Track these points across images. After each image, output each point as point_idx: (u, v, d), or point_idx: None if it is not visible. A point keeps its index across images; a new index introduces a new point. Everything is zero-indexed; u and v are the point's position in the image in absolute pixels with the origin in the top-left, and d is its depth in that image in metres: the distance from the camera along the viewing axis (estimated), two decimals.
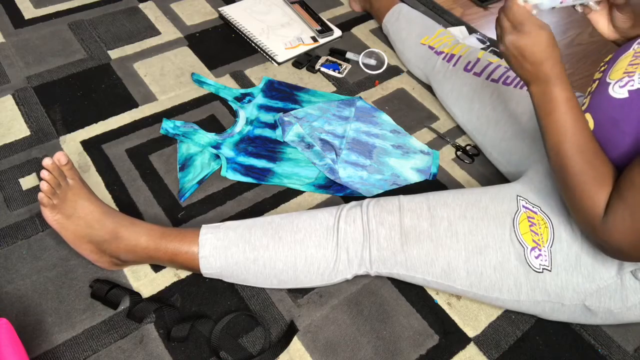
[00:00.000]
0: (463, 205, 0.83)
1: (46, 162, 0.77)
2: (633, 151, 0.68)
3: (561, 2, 0.76)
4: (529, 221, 0.79)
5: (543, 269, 0.78)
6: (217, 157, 1.07)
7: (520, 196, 0.82)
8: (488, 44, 1.43)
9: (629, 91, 0.69)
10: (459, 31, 1.48)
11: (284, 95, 1.23)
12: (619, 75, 0.73)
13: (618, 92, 0.71)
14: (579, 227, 0.75)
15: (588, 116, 0.75)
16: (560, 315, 0.83)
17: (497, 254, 0.79)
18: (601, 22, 0.83)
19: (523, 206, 0.81)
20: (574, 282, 0.77)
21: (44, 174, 0.76)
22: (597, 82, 0.78)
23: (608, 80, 0.74)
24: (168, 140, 1.11)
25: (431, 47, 1.24)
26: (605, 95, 0.73)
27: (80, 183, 0.82)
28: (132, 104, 1.17)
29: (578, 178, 0.70)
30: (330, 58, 1.34)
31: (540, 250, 0.78)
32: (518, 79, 1.04)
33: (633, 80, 0.70)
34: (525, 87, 1.02)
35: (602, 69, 0.79)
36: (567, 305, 0.80)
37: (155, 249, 0.83)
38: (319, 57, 1.33)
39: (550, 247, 0.78)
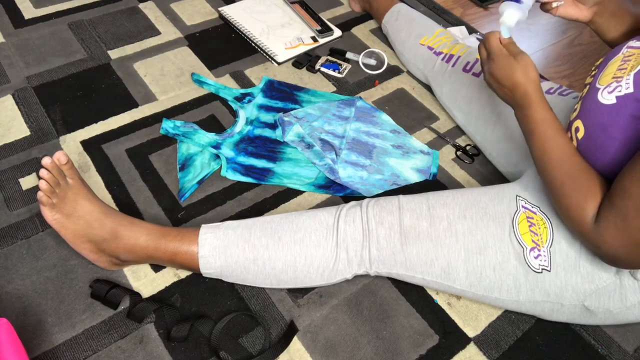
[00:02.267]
0: (462, 205, 0.83)
1: (45, 161, 0.77)
2: (623, 157, 0.68)
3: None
4: (528, 221, 0.79)
5: (542, 269, 0.78)
6: (217, 157, 1.07)
7: (519, 196, 0.82)
8: None
9: (617, 97, 0.70)
10: (459, 31, 1.48)
11: (284, 95, 1.23)
12: (607, 80, 0.73)
13: (606, 98, 0.71)
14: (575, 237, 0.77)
15: (579, 123, 0.75)
16: (559, 316, 0.83)
17: (497, 254, 0.79)
18: (569, 9, 0.87)
19: (522, 206, 0.81)
20: (573, 283, 0.77)
21: (43, 173, 0.76)
22: (587, 87, 0.78)
23: (597, 85, 0.74)
24: (168, 140, 1.11)
25: (430, 48, 1.24)
26: (594, 102, 0.73)
27: (79, 182, 0.82)
28: (132, 104, 1.17)
29: (561, 190, 0.73)
30: (330, 58, 1.34)
31: (539, 250, 0.78)
32: None
33: (620, 85, 0.70)
34: None
35: (593, 73, 0.79)
36: (566, 305, 0.80)
37: (154, 249, 0.83)
38: (319, 57, 1.33)
39: (550, 247, 0.78)
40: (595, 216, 0.69)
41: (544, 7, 0.89)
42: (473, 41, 1.43)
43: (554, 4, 0.87)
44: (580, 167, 0.72)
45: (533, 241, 0.78)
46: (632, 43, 0.76)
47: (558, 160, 0.74)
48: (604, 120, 0.71)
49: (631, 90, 0.68)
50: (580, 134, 0.74)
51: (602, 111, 0.71)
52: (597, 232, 0.68)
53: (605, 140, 0.70)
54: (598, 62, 0.80)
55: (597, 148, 0.72)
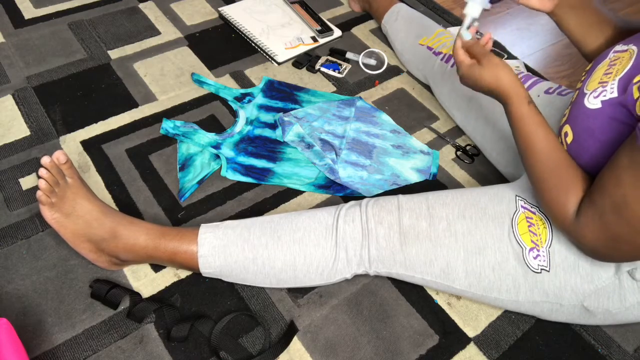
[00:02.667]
0: (462, 205, 0.83)
1: (45, 160, 0.77)
2: (608, 159, 0.69)
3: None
4: (527, 221, 0.79)
5: (541, 269, 0.78)
6: (217, 157, 1.07)
7: (519, 196, 0.82)
8: None
9: (602, 101, 0.70)
10: None
11: (284, 95, 1.23)
12: (594, 85, 0.74)
13: (592, 102, 0.72)
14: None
15: (567, 128, 0.76)
16: (559, 316, 0.83)
17: (496, 254, 0.79)
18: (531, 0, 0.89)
19: (522, 206, 0.81)
20: (572, 283, 0.77)
21: (42, 172, 0.76)
22: (577, 92, 0.79)
23: (585, 91, 0.75)
24: (168, 140, 1.11)
25: (430, 48, 1.24)
26: (581, 107, 0.74)
27: (79, 182, 0.82)
28: (132, 104, 1.17)
29: (543, 185, 0.74)
30: (330, 58, 1.34)
31: (538, 250, 0.78)
32: None
33: (606, 90, 0.71)
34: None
35: (583, 79, 0.80)
36: (565, 305, 0.80)
37: (154, 248, 0.83)
38: (319, 57, 1.33)
39: (549, 247, 0.78)
40: (576, 211, 0.70)
41: None
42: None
43: None
44: (562, 162, 0.73)
45: (532, 241, 0.78)
46: (618, 47, 0.77)
47: (539, 155, 0.74)
48: (590, 124, 0.72)
49: (615, 94, 0.69)
50: (569, 139, 0.75)
51: (588, 116, 0.72)
52: (578, 227, 0.70)
53: (592, 143, 0.72)
54: (588, 67, 0.81)
55: (584, 152, 0.73)
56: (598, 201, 0.67)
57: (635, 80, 0.66)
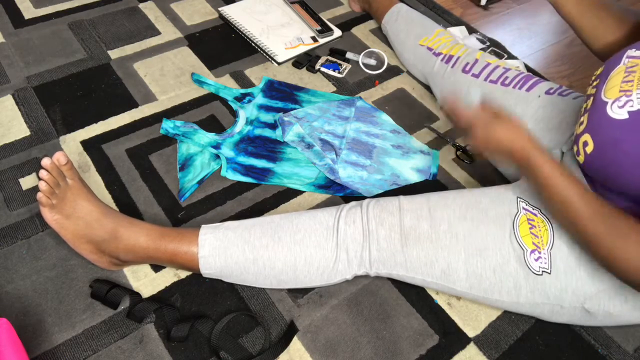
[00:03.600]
0: (463, 206, 0.83)
1: (45, 162, 0.77)
2: (637, 173, 0.66)
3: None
4: (529, 223, 0.79)
5: (542, 271, 0.78)
6: (217, 157, 1.07)
7: (520, 198, 0.82)
8: (488, 44, 1.43)
9: (629, 112, 0.68)
10: (459, 31, 1.48)
11: (284, 95, 1.23)
12: (615, 93, 0.71)
13: (617, 112, 0.69)
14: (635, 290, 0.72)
15: (587, 137, 0.73)
16: (559, 318, 0.83)
17: (497, 255, 0.79)
18: None
19: (523, 208, 0.80)
20: (573, 285, 0.77)
21: (42, 173, 0.76)
22: (592, 98, 0.76)
23: (604, 98, 0.72)
24: (168, 140, 1.11)
25: (430, 48, 1.24)
26: (604, 116, 0.71)
27: (79, 183, 0.82)
28: (132, 104, 1.17)
29: (594, 245, 0.69)
30: (330, 58, 1.34)
31: (540, 252, 0.78)
32: (517, 80, 1.04)
33: (632, 100, 0.68)
34: (523, 88, 1.02)
35: (595, 83, 0.78)
36: (566, 307, 0.80)
37: (154, 249, 0.83)
38: (319, 57, 1.33)
39: (550, 249, 0.78)
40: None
41: None
42: (473, 41, 1.43)
43: None
44: (614, 212, 0.68)
45: (534, 243, 0.78)
46: (631, 52, 0.75)
47: (583, 213, 0.68)
48: (615, 135, 0.69)
49: None
50: (589, 149, 0.72)
51: (613, 126, 0.69)
52: None
53: (617, 155, 0.69)
54: (599, 72, 0.79)
55: (608, 164, 0.70)
56: None
57: None
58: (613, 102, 0.70)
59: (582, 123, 0.76)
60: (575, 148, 0.76)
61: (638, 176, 0.67)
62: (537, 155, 0.71)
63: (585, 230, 0.69)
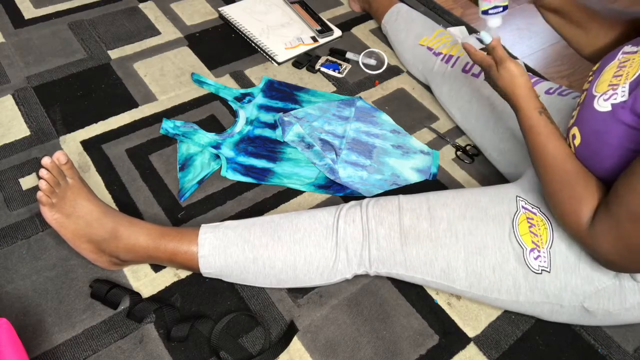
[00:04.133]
0: (462, 205, 0.83)
1: (45, 161, 0.77)
2: (618, 163, 0.68)
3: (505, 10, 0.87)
4: (528, 222, 0.79)
5: (542, 270, 0.78)
6: (217, 157, 1.07)
7: (519, 197, 0.82)
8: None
9: (612, 104, 0.69)
10: (459, 31, 1.48)
11: (284, 95, 1.23)
12: (604, 88, 0.73)
13: (602, 105, 0.71)
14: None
15: (575, 130, 0.75)
16: (559, 317, 0.83)
17: (496, 254, 0.79)
18: None
19: (522, 207, 0.80)
20: (573, 284, 0.77)
21: (42, 172, 0.76)
22: (584, 93, 0.78)
23: (594, 92, 0.74)
24: (168, 140, 1.11)
25: (429, 48, 1.24)
26: (590, 109, 0.73)
27: (79, 182, 0.82)
28: (132, 104, 1.17)
29: (555, 196, 0.74)
30: (330, 58, 1.34)
31: (539, 251, 0.78)
32: None
33: (616, 93, 0.70)
34: None
35: (590, 79, 0.79)
36: (565, 306, 0.80)
37: (154, 249, 0.83)
38: (319, 57, 1.33)
39: (550, 248, 0.78)
40: (591, 220, 0.69)
41: None
42: (473, 41, 1.42)
43: None
44: (574, 171, 0.73)
45: (533, 242, 0.78)
46: (627, 48, 0.76)
47: (551, 166, 0.75)
48: (598, 127, 0.71)
49: (626, 98, 0.68)
50: (577, 141, 0.75)
51: (597, 118, 0.71)
52: (593, 236, 0.69)
53: (600, 147, 0.71)
54: (595, 67, 0.80)
55: (593, 155, 0.72)
56: (614, 210, 0.66)
57: None
58: (600, 96, 0.72)
59: (573, 117, 0.78)
60: (567, 141, 0.78)
61: (618, 166, 0.68)
62: (524, 103, 0.78)
63: (548, 182, 0.75)
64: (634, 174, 0.64)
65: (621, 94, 0.69)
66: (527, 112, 0.77)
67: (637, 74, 0.69)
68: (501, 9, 0.86)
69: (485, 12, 0.87)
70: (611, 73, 0.74)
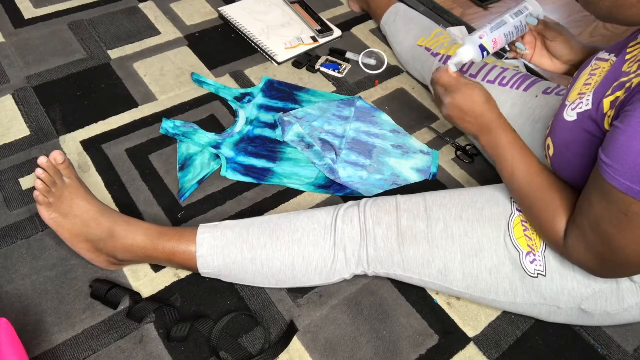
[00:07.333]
0: (459, 206, 0.82)
1: (41, 160, 0.77)
2: (587, 173, 0.68)
3: (487, 55, 0.87)
4: (522, 225, 0.79)
5: (538, 274, 0.78)
6: (217, 157, 1.07)
7: (514, 199, 0.82)
8: None
9: (578, 113, 0.69)
10: (459, 31, 1.48)
11: (284, 95, 1.23)
12: (574, 96, 0.73)
13: (570, 115, 0.71)
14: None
15: (549, 140, 0.75)
16: (557, 318, 0.83)
17: (493, 257, 0.79)
18: (544, 61, 0.93)
19: (517, 209, 0.80)
20: (570, 287, 0.77)
21: (39, 172, 0.77)
22: (561, 104, 0.78)
23: (567, 102, 0.74)
24: (168, 140, 1.11)
25: (428, 49, 1.23)
26: (560, 118, 0.73)
27: (77, 182, 0.82)
28: (132, 104, 1.17)
29: (532, 211, 0.75)
30: (330, 58, 1.34)
31: (535, 255, 0.78)
32: (515, 80, 1.04)
33: (582, 102, 0.70)
34: (521, 87, 1.02)
35: (569, 87, 0.79)
36: (563, 308, 0.80)
37: (152, 249, 0.83)
38: (319, 57, 1.33)
39: (544, 252, 0.77)
40: (565, 233, 0.70)
41: (513, 54, 0.95)
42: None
43: (519, 51, 0.93)
44: (546, 185, 0.73)
45: (528, 245, 0.78)
46: (601, 55, 0.75)
47: (524, 181, 0.75)
48: (567, 137, 0.71)
49: (589, 107, 0.67)
50: (551, 152, 0.75)
51: (565, 128, 0.71)
52: (568, 248, 0.70)
53: (570, 157, 0.71)
54: (574, 75, 0.80)
55: (566, 165, 0.72)
56: (579, 222, 0.67)
57: (607, 93, 0.65)
58: (569, 105, 0.72)
59: (548, 127, 0.78)
60: (544, 152, 0.78)
61: (589, 176, 0.67)
62: (501, 125, 0.79)
63: (521, 198, 0.76)
64: (589, 185, 0.65)
65: (586, 103, 0.69)
66: (504, 127, 0.78)
67: (601, 83, 0.68)
68: (487, 52, 0.86)
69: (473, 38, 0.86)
70: (582, 81, 0.74)
